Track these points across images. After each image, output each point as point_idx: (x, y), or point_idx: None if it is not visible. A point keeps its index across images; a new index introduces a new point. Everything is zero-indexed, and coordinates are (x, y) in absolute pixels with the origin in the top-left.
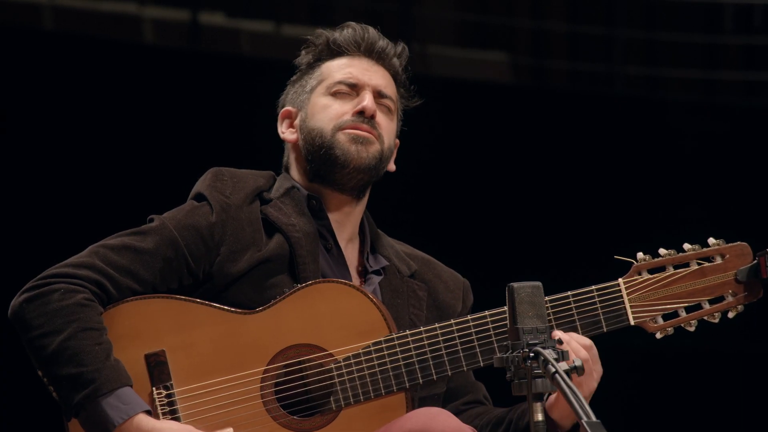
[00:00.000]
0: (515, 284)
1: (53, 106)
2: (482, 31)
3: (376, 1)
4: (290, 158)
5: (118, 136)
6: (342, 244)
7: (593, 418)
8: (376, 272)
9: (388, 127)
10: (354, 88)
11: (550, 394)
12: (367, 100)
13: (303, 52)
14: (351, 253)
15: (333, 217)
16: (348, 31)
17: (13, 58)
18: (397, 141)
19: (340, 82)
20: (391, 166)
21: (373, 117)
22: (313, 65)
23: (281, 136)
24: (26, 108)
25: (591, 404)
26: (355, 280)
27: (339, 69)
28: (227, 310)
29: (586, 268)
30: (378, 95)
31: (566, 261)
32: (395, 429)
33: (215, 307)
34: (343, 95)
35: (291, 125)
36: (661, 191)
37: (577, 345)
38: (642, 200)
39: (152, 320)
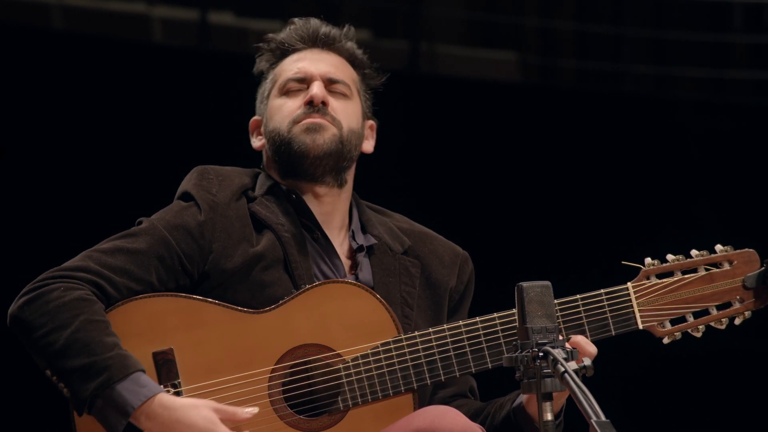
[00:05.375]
0: (524, 284)
1: (62, 106)
2: (491, 30)
3: (385, 1)
4: (264, 163)
5: (127, 136)
6: (333, 233)
7: (603, 418)
8: (360, 249)
9: (344, 110)
10: (303, 82)
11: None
12: (314, 89)
13: (257, 61)
14: (343, 240)
15: (317, 209)
16: (290, 28)
17: (22, 57)
18: (372, 122)
19: (289, 80)
20: (367, 147)
21: (325, 104)
22: (268, 70)
23: (253, 146)
24: (35, 108)
25: (599, 403)
26: (346, 265)
27: (288, 67)
28: (236, 309)
29: (594, 271)
30: (328, 82)
31: (575, 262)
32: (403, 427)
33: (224, 305)
34: (295, 92)
35: (259, 133)
36: (669, 190)
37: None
38: (650, 199)
39: (160, 318)
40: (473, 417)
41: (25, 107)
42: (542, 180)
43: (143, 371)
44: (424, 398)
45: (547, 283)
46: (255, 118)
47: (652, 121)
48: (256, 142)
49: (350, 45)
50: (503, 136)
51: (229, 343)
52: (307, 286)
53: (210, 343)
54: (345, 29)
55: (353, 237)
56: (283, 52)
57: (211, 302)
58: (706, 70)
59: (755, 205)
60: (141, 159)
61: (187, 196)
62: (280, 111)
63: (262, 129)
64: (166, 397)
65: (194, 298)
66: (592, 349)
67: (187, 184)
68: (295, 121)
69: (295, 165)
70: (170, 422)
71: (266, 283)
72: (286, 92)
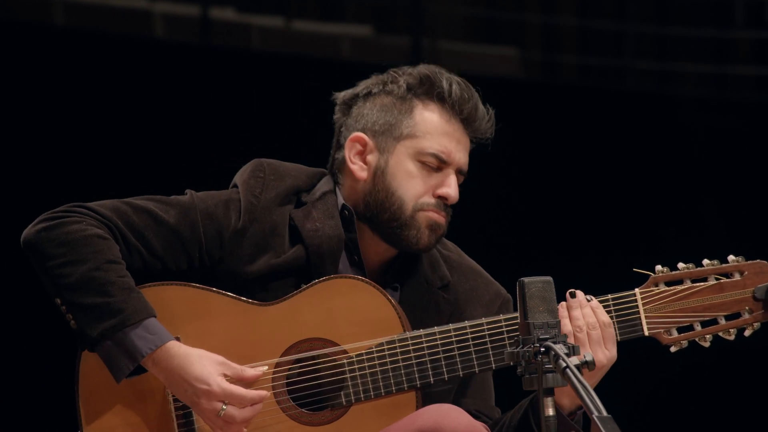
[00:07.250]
0: (526, 279)
1: (64, 102)
2: (492, 26)
3: None
4: (346, 182)
5: (128, 132)
6: (372, 259)
7: (604, 413)
8: (393, 288)
9: None
10: (442, 163)
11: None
12: (452, 189)
13: (400, 78)
14: (379, 266)
15: (364, 249)
16: (455, 89)
17: (24, 53)
18: None
19: (432, 155)
20: None
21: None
22: (405, 99)
23: (350, 165)
24: (37, 104)
25: (602, 399)
26: None
27: (434, 134)
28: (243, 301)
29: (599, 272)
30: (458, 173)
31: (578, 261)
32: (406, 425)
33: (232, 297)
34: (429, 168)
35: (363, 159)
36: (671, 186)
37: (594, 321)
38: (652, 195)
39: (168, 307)
40: (491, 427)
41: (27, 103)
42: (543, 176)
43: (155, 316)
44: (427, 391)
45: (549, 278)
46: (364, 137)
47: (654, 117)
48: (359, 170)
49: (486, 135)
50: (504, 133)
51: (235, 334)
52: (315, 281)
53: (216, 334)
54: (492, 121)
55: (393, 264)
56: (432, 96)
57: (220, 293)
58: (709, 66)
59: (758, 201)
60: (142, 155)
61: (236, 191)
62: (410, 182)
63: (371, 161)
64: (175, 347)
65: (204, 288)
66: (606, 318)
67: (239, 177)
68: (422, 209)
69: (389, 237)
70: (174, 369)
71: (281, 291)
72: (422, 161)
